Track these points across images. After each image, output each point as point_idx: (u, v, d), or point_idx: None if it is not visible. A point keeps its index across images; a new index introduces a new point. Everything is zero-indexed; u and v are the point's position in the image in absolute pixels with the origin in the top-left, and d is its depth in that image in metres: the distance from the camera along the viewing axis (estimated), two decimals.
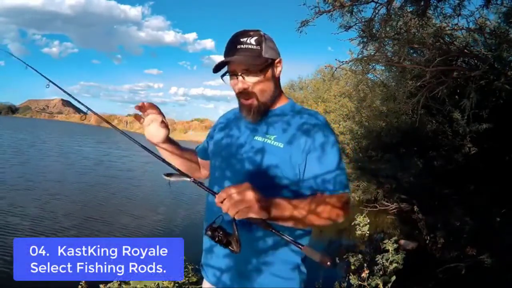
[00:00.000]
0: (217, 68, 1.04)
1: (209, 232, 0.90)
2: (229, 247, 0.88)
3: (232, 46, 1.03)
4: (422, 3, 3.16)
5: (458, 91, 4.40)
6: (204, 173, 1.29)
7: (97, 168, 12.01)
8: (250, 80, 1.04)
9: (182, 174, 0.95)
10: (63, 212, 6.49)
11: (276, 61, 1.07)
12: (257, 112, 1.06)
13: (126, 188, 9.23)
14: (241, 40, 1.02)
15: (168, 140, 1.16)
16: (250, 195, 0.82)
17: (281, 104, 1.12)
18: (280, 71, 1.10)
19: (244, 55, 1.01)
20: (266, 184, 0.98)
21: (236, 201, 0.81)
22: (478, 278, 3.22)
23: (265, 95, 1.06)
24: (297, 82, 16.49)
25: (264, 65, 1.03)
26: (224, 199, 0.82)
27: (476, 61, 3.81)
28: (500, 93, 3.87)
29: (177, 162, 1.19)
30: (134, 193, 8.68)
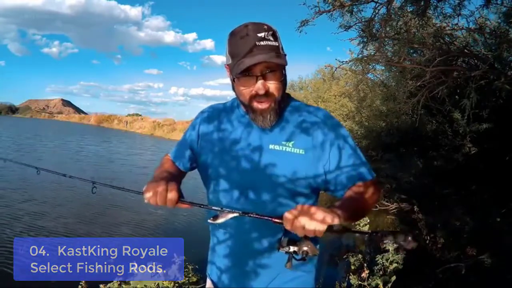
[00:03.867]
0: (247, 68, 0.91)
1: (286, 249, 0.89)
2: (307, 255, 0.87)
3: (252, 43, 0.90)
4: (422, 3, 3.16)
5: (458, 91, 4.40)
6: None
7: (97, 168, 12.01)
8: (271, 81, 0.94)
9: (225, 212, 0.89)
10: (64, 212, 6.48)
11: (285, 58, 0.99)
12: (274, 116, 0.97)
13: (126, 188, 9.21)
14: (258, 35, 0.91)
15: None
16: (314, 209, 0.80)
17: (288, 102, 1.05)
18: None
19: (267, 53, 0.90)
20: (297, 193, 0.97)
21: (308, 219, 0.79)
22: (478, 278, 3.21)
23: (280, 97, 0.97)
24: (297, 82, 16.50)
25: (285, 63, 0.94)
26: (296, 217, 0.80)
27: (476, 61, 3.81)
28: (500, 93, 3.87)
29: None
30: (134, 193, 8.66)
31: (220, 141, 1.05)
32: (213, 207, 0.93)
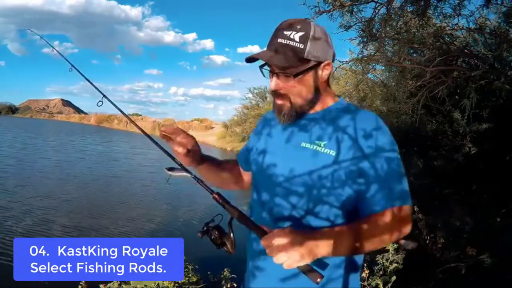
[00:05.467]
0: (251, 59, 0.93)
1: (204, 229, 0.88)
2: (224, 247, 0.87)
3: (273, 38, 0.91)
4: (422, 3, 3.16)
5: (458, 91, 4.40)
6: (247, 180, 1.18)
7: (97, 167, 12.00)
8: (284, 81, 0.92)
9: (183, 169, 0.93)
10: (64, 212, 6.49)
11: (323, 64, 0.92)
12: (288, 115, 0.94)
13: (126, 188, 9.22)
14: (284, 33, 0.89)
15: (202, 161, 1.08)
16: (294, 251, 0.76)
17: (328, 105, 0.97)
18: (328, 74, 0.95)
19: (282, 53, 0.88)
20: (316, 201, 0.90)
21: (283, 256, 0.77)
22: (478, 278, 3.21)
23: (300, 99, 0.93)
24: None
25: (302, 68, 0.89)
26: (268, 246, 0.79)
27: (476, 61, 3.81)
28: (500, 93, 3.87)
29: (214, 181, 1.14)
30: (134, 193, 8.67)
31: (262, 144, 1.04)
32: (186, 168, 0.93)
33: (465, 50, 3.78)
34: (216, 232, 0.88)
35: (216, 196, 0.91)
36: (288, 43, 0.88)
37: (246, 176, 1.19)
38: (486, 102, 4.33)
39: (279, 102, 0.95)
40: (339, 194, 0.89)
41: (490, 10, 3.53)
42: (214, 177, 1.15)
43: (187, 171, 0.94)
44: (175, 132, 1.00)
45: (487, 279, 3.16)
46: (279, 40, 0.89)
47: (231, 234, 0.87)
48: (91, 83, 1.21)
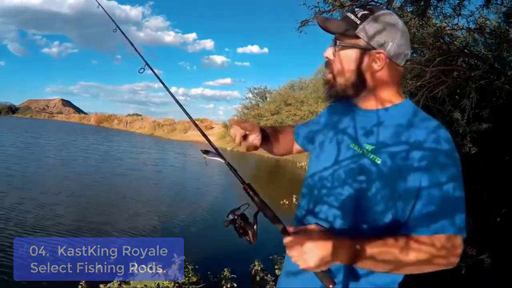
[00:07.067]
0: (325, 30, 0.91)
1: (230, 216, 0.87)
2: (246, 237, 0.86)
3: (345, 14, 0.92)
4: (422, 3, 3.16)
5: (458, 91, 4.40)
6: (296, 149, 1.23)
7: (97, 168, 12.00)
8: (331, 50, 0.91)
9: (218, 154, 0.94)
10: (64, 212, 6.48)
11: (376, 51, 0.86)
12: (329, 90, 0.92)
13: (126, 188, 9.22)
14: (355, 9, 0.90)
15: (263, 140, 1.13)
16: (312, 254, 0.74)
17: (389, 104, 0.90)
18: (380, 67, 0.87)
19: (337, 21, 0.90)
20: (351, 216, 0.85)
21: (299, 257, 0.75)
22: (478, 278, 3.21)
23: (341, 78, 0.90)
24: (297, 82, 16.53)
25: (348, 41, 0.87)
26: (290, 245, 0.77)
27: (476, 61, 3.81)
28: (500, 93, 3.86)
29: (273, 149, 1.19)
30: (134, 193, 8.67)
31: (321, 135, 1.05)
32: (220, 153, 0.94)
33: (465, 50, 3.78)
34: (241, 221, 0.87)
35: (247, 187, 0.90)
36: (349, 15, 0.89)
37: (295, 147, 1.23)
38: (486, 102, 4.33)
39: (328, 75, 0.94)
40: (390, 200, 0.82)
41: (490, 10, 3.53)
42: (275, 147, 1.20)
43: (221, 156, 0.93)
44: (238, 123, 1.08)
45: (487, 279, 3.16)
46: (348, 14, 0.90)
47: (255, 226, 0.86)
48: (134, 48, 1.23)
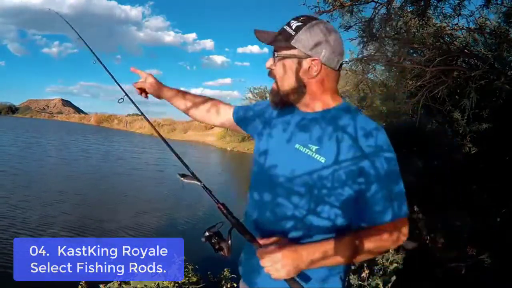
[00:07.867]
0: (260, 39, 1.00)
1: (207, 233, 0.96)
2: (221, 252, 0.95)
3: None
4: (422, 3, 3.16)
5: (458, 91, 4.40)
6: (219, 121, 1.27)
7: (97, 168, 12.00)
8: (271, 61, 0.98)
9: (194, 177, 1.01)
10: (64, 212, 6.49)
11: (311, 59, 0.92)
12: (273, 97, 1.00)
13: (126, 188, 9.22)
14: (290, 21, 0.96)
15: (164, 90, 1.32)
16: (282, 267, 0.85)
17: (329, 106, 0.98)
18: (317, 72, 0.94)
19: (274, 33, 0.97)
20: (316, 201, 0.91)
21: (272, 267, 0.86)
22: (478, 278, 3.21)
23: (284, 85, 0.97)
24: None
25: (284, 51, 0.94)
26: (261, 255, 0.88)
27: (476, 61, 3.81)
28: (500, 93, 3.86)
29: (180, 103, 1.32)
30: (134, 193, 8.68)
31: (261, 137, 1.09)
32: (197, 177, 1.02)
33: (465, 50, 3.78)
34: (216, 238, 0.95)
35: (221, 207, 0.97)
36: (286, 28, 0.95)
37: (226, 120, 1.26)
38: (486, 102, 4.33)
39: (273, 84, 1.00)
40: (339, 194, 0.90)
41: (490, 10, 3.52)
42: (180, 100, 1.32)
43: (197, 179, 1.01)
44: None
45: (487, 279, 3.16)
46: (284, 26, 0.96)
47: (229, 241, 0.95)
48: (113, 79, 1.41)
